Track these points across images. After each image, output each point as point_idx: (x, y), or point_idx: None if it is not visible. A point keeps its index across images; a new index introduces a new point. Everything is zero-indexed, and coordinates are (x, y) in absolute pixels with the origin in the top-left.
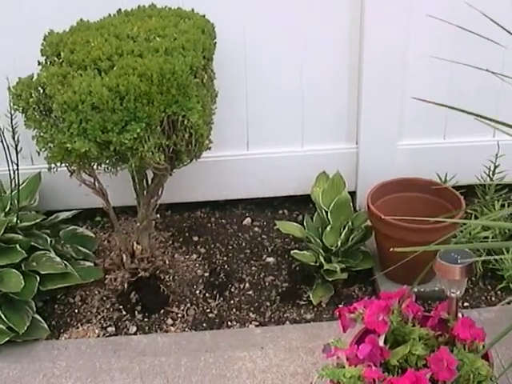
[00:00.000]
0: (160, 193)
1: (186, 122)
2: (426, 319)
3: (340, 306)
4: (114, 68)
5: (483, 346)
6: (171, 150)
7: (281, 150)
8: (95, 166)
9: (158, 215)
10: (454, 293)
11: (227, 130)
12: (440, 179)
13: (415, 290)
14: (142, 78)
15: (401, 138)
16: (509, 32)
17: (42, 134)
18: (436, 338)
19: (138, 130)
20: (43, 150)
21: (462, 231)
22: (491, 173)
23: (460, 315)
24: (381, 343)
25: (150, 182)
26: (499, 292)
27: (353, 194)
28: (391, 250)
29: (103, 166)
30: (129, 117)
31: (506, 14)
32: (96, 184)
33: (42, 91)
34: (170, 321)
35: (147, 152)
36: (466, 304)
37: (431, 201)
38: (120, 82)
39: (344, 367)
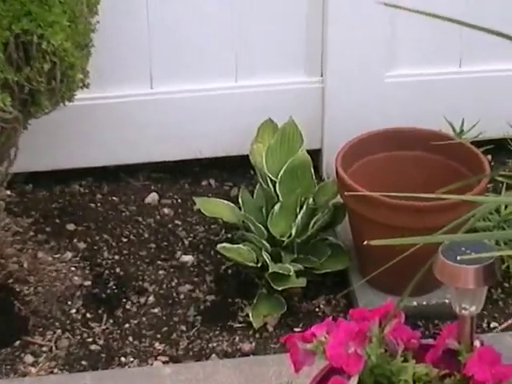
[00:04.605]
0: (12, 157)
1: (44, 46)
2: (425, 350)
3: (297, 330)
4: None
5: None
6: (24, 89)
7: (202, 86)
8: None
9: (10, 191)
10: (466, 309)
11: (117, 57)
12: (453, 129)
13: (414, 303)
14: None
15: (391, 67)
16: None
17: None
18: (441, 380)
19: None
20: None
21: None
22: None
23: (477, 343)
24: None
25: None
26: None
27: (316, 153)
28: (365, 243)
29: None
30: None
31: None
32: None
33: None
34: (29, 358)
35: None
36: (492, 324)
37: (437, 164)
38: None
39: None
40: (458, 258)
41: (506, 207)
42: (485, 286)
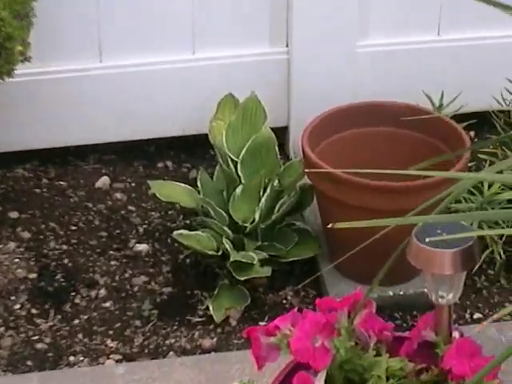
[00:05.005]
0: None
1: None
2: (400, 343)
3: (262, 324)
4: None
5: None
6: None
7: (156, 59)
8: None
9: None
10: (443, 297)
11: (63, 28)
12: (431, 103)
13: (390, 293)
14: None
15: (363, 35)
16: None
17: None
18: (417, 375)
19: None
20: None
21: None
22: None
23: (456, 335)
24: None
25: None
26: None
27: (282, 131)
28: (330, 225)
29: None
30: None
31: None
32: None
33: None
34: None
35: None
36: (476, 315)
37: (414, 141)
38: None
39: None
40: (427, 239)
41: (489, 187)
42: (463, 271)
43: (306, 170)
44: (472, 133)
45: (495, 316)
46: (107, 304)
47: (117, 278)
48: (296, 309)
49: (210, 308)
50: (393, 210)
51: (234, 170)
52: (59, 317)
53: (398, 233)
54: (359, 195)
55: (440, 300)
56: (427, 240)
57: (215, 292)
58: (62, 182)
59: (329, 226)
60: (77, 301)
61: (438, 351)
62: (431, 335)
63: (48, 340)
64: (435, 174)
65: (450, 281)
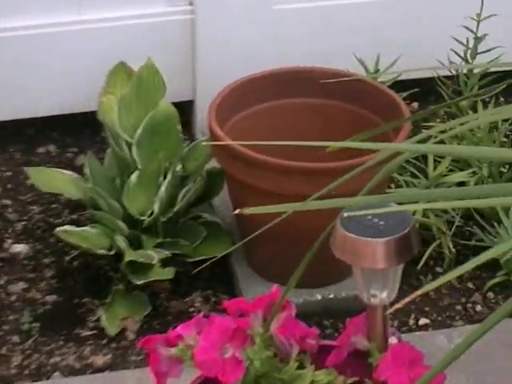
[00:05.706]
0: None
1: None
2: (327, 352)
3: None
4: None
5: None
6: None
7: (34, 22)
8: None
9: None
10: (375, 296)
11: None
12: (365, 68)
13: (318, 296)
14: None
15: None
16: None
17: None
18: None
19: None
20: None
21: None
22: (469, 53)
23: (394, 340)
24: None
25: None
26: (491, 293)
27: (187, 106)
28: (236, 212)
29: None
30: None
31: None
32: None
33: None
34: None
35: None
36: (422, 321)
37: (343, 113)
38: None
39: None
40: (346, 214)
41: (434, 168)
42: (399, 264)
43: (204, 142)
44: (415, 104)
45: (418, 292)
46: None
47: None
48: (201, 314)
49: (103, 319)
50: (318, 197)
51: (128, 153)
52: None
53: (324, 223)
54: (277, 179)
55: (372, 300)
56: (345, 215)
57: (108, 299)
58: None
59: (235, 211)
60: None
61: (371, 361)
62: (363, 342)
63: None
64: (364, 146)
65: (384, 276)
